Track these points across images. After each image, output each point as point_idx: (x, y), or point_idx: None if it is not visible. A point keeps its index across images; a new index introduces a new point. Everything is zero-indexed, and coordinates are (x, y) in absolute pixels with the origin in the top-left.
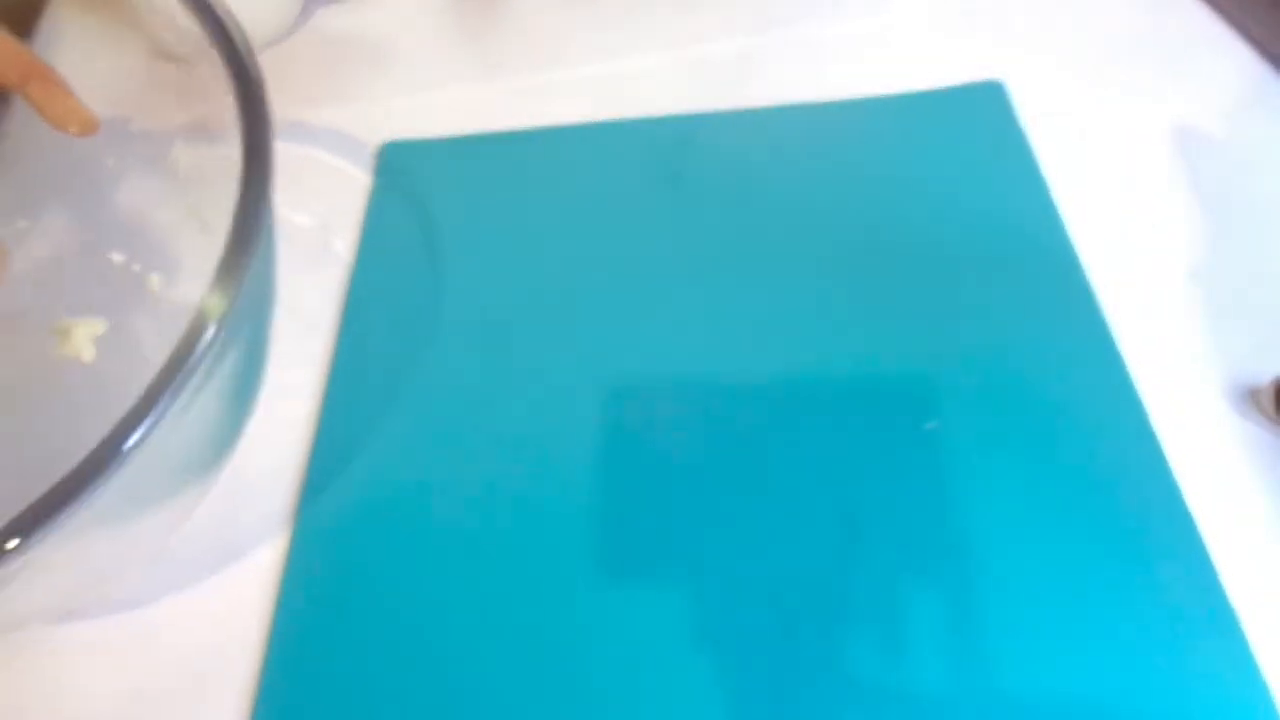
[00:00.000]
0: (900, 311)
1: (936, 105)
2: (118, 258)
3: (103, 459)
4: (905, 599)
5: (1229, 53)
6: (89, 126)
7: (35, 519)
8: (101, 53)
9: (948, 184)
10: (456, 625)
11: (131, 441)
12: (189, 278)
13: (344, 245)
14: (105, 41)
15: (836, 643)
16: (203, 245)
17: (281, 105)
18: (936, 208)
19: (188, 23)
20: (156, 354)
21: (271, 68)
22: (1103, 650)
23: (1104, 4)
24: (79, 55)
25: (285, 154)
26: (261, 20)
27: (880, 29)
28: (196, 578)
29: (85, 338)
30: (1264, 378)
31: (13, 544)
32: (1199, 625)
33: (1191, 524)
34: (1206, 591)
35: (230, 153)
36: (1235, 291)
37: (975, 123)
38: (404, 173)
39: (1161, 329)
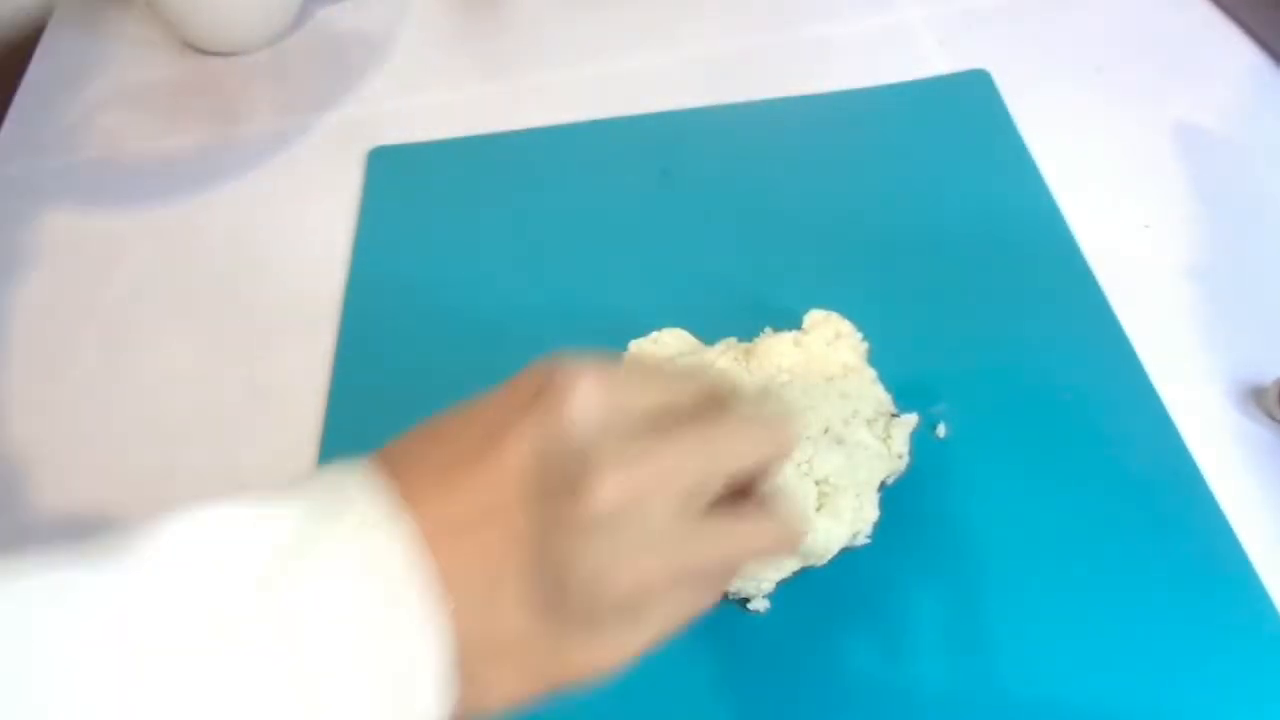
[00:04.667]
0: (901, 301)
1: (924, 94)
2: None
3: None
4: (916, 602)
5: (1233, 49)
6: None
7: None
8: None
9: (939, 172)
10: None
11: None
12: None
13: (342, 242)
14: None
15: (845, 645)
16: None
17: (279, 105)
18: (930, 196)
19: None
20: None
21: (271, 67)
22: (1129, 651)
23: (1106, 3)
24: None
25: (281, 152)
26: (260, 19)
27: (880, 30)
28: None
29: None
30: (1268, 377)
31: None
32: (1244, 634)
33: (1220, 515)
34: (1247, 596)
35: None
36: (1239, 291)
37: (963, 110)
38: (395, 175)
39: (1165, 328)
